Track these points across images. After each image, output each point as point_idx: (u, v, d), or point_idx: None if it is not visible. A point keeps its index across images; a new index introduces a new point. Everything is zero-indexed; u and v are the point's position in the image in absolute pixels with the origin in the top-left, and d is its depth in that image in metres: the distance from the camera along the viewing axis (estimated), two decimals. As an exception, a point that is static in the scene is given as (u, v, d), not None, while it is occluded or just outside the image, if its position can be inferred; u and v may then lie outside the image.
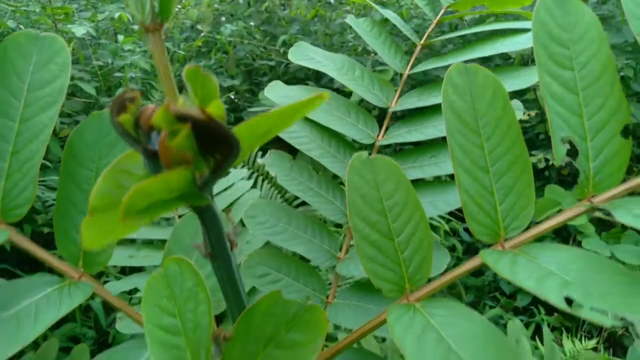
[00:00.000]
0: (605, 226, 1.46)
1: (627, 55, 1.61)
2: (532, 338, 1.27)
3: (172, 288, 0.28)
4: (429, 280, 0.32)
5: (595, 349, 1.24)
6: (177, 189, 0.17)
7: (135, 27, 1.91)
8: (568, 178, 1.66)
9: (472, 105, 0.31)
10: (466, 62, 0.32)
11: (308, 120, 0.54)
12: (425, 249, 0.33)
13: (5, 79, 0.32)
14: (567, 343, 1.14)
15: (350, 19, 0.61)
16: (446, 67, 0.32)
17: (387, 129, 0.56)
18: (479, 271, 1.53)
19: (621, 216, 0.26)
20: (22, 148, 0.31)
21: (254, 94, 2.16)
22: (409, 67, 0.59)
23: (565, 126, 0.29)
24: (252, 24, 2.29)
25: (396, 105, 0.56)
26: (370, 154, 0.34)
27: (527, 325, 1.30)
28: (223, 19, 2.35)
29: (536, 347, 1.12)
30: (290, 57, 0.57)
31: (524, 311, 1.55)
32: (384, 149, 0.63)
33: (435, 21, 0.61)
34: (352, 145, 0.56)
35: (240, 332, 0.26)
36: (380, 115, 0.59)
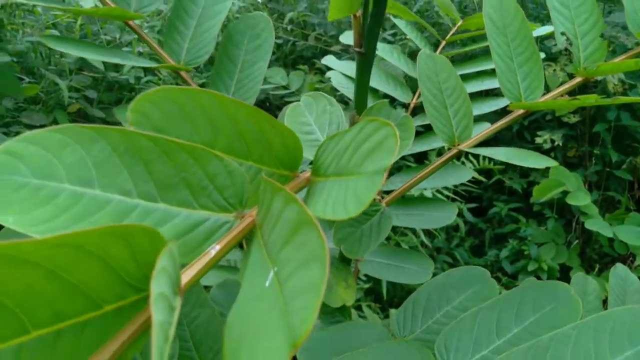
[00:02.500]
0: (609, 208, 1.53)
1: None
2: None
3: (308, 110, 0.42)
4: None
5: None
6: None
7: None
8: (573, 160, 1.69)
9: (501, 18, 0.47)
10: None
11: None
12: (467, 119, 0.47)
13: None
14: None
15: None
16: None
17: (419, 95, 0.72)
18: (481, 251, 1.62)
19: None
20: (202, 23, 0.46)
21: (262, 72, 2.08)
22: (437, 52, 0.76)
23: (564, 28, 0.45)
24: (259, 0, 2.22)
25: (426, 77, 0.73)
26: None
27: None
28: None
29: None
30: (341, 39, 0.74)
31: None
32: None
33: (456, 27, 0.80)
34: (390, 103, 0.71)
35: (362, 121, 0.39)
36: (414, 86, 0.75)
